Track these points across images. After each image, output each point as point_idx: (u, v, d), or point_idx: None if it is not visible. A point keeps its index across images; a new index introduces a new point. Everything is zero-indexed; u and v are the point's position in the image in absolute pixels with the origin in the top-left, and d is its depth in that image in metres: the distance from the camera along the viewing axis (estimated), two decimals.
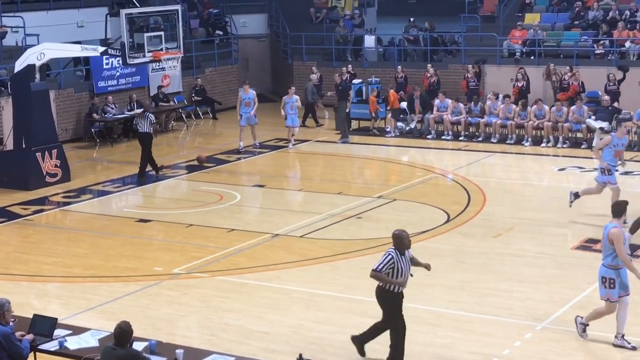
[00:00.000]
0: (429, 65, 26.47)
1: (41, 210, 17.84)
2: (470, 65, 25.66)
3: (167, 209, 17.76)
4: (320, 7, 31.93)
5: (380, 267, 9.89)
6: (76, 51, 21.39)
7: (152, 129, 20.42)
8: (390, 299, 10.03)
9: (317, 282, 12.98)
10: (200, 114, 28.25)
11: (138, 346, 8.88)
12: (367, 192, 18.28)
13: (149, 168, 20.19)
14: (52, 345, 9.30)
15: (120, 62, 22.11)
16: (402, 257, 9.93)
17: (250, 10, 32.36)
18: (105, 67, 25.53)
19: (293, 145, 22.99)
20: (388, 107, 24.68)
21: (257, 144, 23.02)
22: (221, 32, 30.88)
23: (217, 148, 23.19)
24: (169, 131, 26.27)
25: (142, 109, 21.17)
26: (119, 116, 24.81)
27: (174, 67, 22.00)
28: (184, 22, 26.31)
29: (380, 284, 10.02)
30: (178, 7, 22.45)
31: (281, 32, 31.38)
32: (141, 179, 19.99)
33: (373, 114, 24.38)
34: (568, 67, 24.49)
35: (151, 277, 13.40)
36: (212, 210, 17.39)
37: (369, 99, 24.77)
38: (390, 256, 9.91)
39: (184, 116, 27.56)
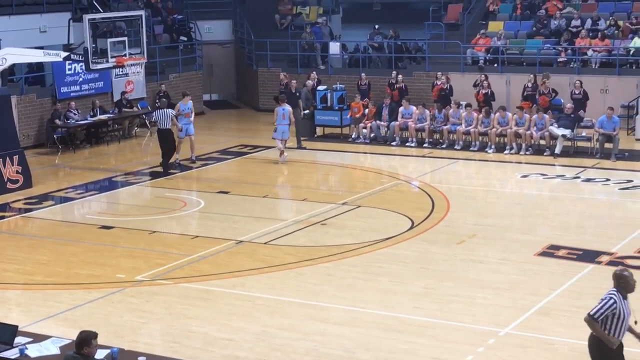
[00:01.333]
0: (394, 72, 26.57)
1: (2, 217, 17.63)
2: (439, 73, 25.79)
3: (131, 215, 17.64)
4: (285, 13, 31.95)
5: (597, 313, 8.46)
6: (39, 56, 21.19)
7: (171, 124, 20.88)
8: (607, 356, 8.56)
9: (282, 288, 12.95)
10: None
11: (100, 354, 8.79)
12: (331, 199, 18.28)
13: (173, 158, 21.10)
14: (12, 353, 9.17)
15: (83, 67, 21.95)
16: (625, 301, 8.55)
17: (214, 16, 32.29)
18: (68, 72, 25.30)
19: (284, 158, 21.81)
20: (349, 116, 24.71)
21: (194, 159, 22.19)
22: (185, 38, 30.76)
23: (180, 154, 23.05)
24: (133, 137, 26.10)
25: (159, 106, 21.54)
26: (82, 122, 24.61)
27: (137, 72, 21.88)
28: (148, 28, 26.17)
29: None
30: (142, 12, 22.33)
31: (246, 39, 31.34)
32: (167, 170, 20.88)
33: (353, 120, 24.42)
34: (532, 76, 24.69)
35: (114, 284, 13.29)
36: (176, 216, 17.30)
37: (334, 105, 24.84)
38: (612, 300, 8.47)
39: (147, 122, 27.41)
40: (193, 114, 22.40)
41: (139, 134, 26.46)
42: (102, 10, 21.33)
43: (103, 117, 25.29)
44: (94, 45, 20.11)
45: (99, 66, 20.57)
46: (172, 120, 20.92)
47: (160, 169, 21.10)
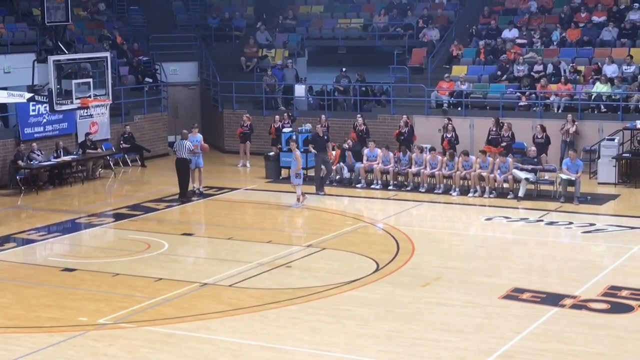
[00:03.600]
0: (359, 115, 26.74)
1: None
2: (405, 116, 26.01)
3: (93, 257, 17.46)
4: (250, 56, 32.10)
5: None
6: (2, 97, 21.05)
7: (188, 155, 22.08)
8: None
9: (246, 332, 12.86)
10: (129, 162, 27.99)
11: None
12: (296, 241, 18.25)
13: (190, 186, 22.50)
14: None
15: (48, 108, 21.82)
16: None
17: (180, 58, 32.35)
18: (32, 113, 25.17)
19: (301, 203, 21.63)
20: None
21: (200, 190, 23.18)
22: (151, 80, 30.76)
23: (144, 196, 22.95)
24: (96, 178, 25.94)
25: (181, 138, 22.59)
26: (45, 163, 24.43)
27: (102, 114, 21.83)
28: (113, 69, 26.14)
29: None
30: (107, 54, 22.31)
31: (211, 80, 31.41)
32: (184, 199, 22.13)
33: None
34: (494, 119, 24.96)
35: (76, 328, 13.10)
36: (139, 259, 17.15)
37: (299, 147, 24.92)
38: None
39: (111, 163, 27.27)
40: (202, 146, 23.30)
41: (102, 175, 26.30)
42: (67, 52, 21.26)
43: (67, 158, 25.14)
44: (58, 86, 20.03)
45: (64, 107, 20.47)
46: (188, 150, 22.05)
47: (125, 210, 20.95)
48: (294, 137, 23.75)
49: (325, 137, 24.10)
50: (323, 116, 26.61)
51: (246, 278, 15.52)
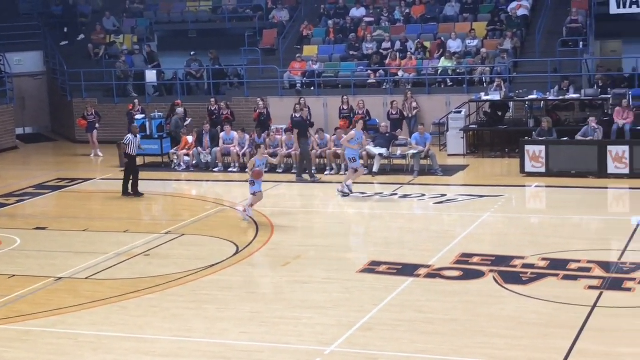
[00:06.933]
0: (212, 99, 26.59)
1: None
2: (259, 99, 26.04)
3: None
4: (98, 43, 31.37)
5: None
6: None
7: (135, 152, 21.14)
8: None
9: (105, 324, 12.62)
10: None
11: None
12: (154, 229, 18.04)
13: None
14: None
15: None
16: None
17: (24, 47, 31.28)
18: None
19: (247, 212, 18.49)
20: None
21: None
22: None
23: None
24: None
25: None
26: None
27: None
28: None
29: None
30: None
31: (59, 69, 30.53)
32: (126, 195, 21.00)
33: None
34: (346, 97, 25.32)
35: None
36: None
37: (153, 133, 24.59)
38: None
39: None
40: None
41: None
42: None
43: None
44: None
45: None
46: (138, 147, 21.22)
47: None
48: (260, 141, 22.81)
49: (308, 122, 23.79)
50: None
51: (103, 269, 15.23)
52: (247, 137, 23.94)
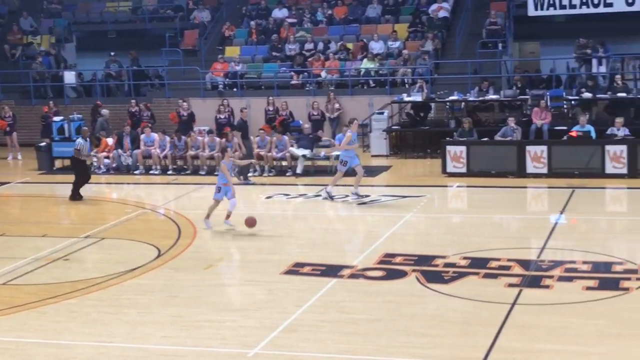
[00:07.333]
0: (133, 101, 26.24)
1: None
2: (181, 100, 25.79)
3: None
4: (15, 43, 30.68)
5: None
6: None
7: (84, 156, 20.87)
8: None
9: (23, 329, 12.31)
10: None
11: None
12: (73, 233, 17.68)
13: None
14: None
15: None
16: None
17: None
18: None
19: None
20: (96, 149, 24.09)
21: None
22: None
23: None
24: None
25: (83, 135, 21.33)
26: None
27: None
28: None
29: None
30: None
31: None
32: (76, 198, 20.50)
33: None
34: (271, 98, 25.25)
35: None
36: None
37: (72, 136, 24.12)
38: None
39: None
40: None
41: None
42: None
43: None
44: None
45: None
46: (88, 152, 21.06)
47: None
48: (228, 147, 22.27)
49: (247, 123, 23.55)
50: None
51: (21, 274, 14.86)
52: (168, 139, 23.68)
